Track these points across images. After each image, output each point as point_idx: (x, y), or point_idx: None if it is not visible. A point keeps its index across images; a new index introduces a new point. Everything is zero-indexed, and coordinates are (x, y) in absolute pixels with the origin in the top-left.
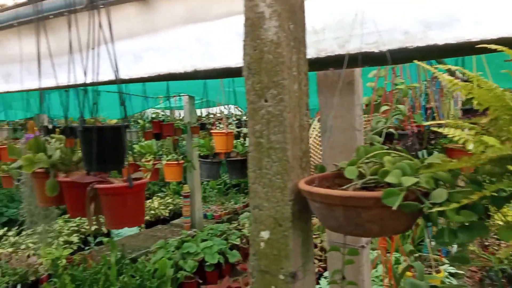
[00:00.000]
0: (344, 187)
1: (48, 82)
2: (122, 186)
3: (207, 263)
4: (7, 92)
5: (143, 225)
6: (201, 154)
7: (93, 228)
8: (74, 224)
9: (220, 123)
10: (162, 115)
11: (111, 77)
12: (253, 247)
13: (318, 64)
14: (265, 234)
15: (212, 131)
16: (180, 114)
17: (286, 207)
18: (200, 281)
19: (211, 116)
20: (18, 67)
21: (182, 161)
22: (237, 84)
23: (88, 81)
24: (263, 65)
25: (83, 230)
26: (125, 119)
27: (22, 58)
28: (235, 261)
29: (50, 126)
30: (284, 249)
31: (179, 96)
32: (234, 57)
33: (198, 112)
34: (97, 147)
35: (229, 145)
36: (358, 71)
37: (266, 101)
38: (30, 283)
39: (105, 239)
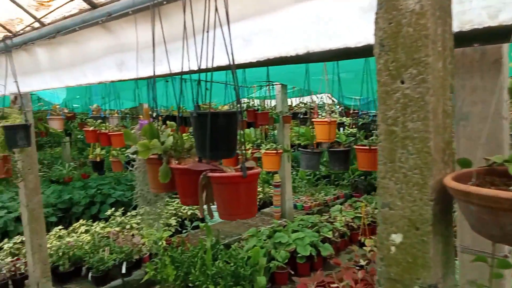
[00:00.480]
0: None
1: (160, 69)
2: (236, 175)
3: (298, 255)
4: (120, 80)
5: None
6: (301, 144)
7: (189, 212)
8: (172, 208)
9: (323, 111)
10: (252, 104)
11: (221, 62)
12: (381, 251)
13: (460, 39)
14: (396, 238)
15: (313, 119)
16: (269, 103)
17: (426, 207)
18: (292, 272)
19: (305, 105)
20: (131, 55)
21: (281, 151)
22: (341, 69)
23: (202, 66)
24: (400, 40)
25: (180, 214)
26: (239, 104)
27: (135, 46)
28: (327, 254)
29: (154, 114)
30: (421, 257)
31: (272, 85)
32: (355, 36)
33: (289, 102)
34: (210, 133)
35: (332, 134)
36: (506, 47)
37: (402, 82)
38: (134, 261)
39: (201, 224)
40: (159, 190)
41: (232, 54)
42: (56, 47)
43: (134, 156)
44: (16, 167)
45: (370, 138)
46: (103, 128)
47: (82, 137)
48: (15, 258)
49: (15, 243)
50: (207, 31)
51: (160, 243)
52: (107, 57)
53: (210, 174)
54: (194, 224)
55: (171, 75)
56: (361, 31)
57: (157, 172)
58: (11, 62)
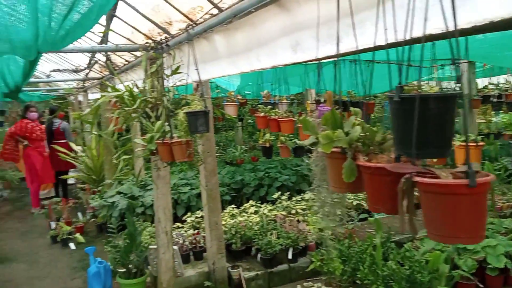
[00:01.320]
0: None
1: (344, 47)
2: (458, 184)
3: (489, 266)
4: (293, 63)
5: None
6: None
7: (355, 202)
8: (337, 196)
9: None
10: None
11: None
12: None
13: None
14: None
15: None
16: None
17: None
18: (480, 286)
19: (497, 86)
20: (307, 34)
21: (482, 143)
22: None
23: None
24: None
25: (345, 203)
26: (459, 83)
27: (310, 24)
28: None
29: (322, 100)
30: None
31: (458, 63)
32: None
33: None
34: (418, 124)
35: None
36: None
37: None
38: (300, 248)
39: (370, 219)
40: (342, 189)
41: (454, 14)
42: (233, 32)
43: (308, 145)
44: (197, 151)
45: None
46: (273, 114)
47: (252, 122)
48: (196, 231)
49: (196, 217)
50: None
51: (325, 232)
52: (282, 38)
53: (418, 178)
54: (362, 216)
55: (354, 53)
56: None
57: (340, 168)
58: (193, 50)
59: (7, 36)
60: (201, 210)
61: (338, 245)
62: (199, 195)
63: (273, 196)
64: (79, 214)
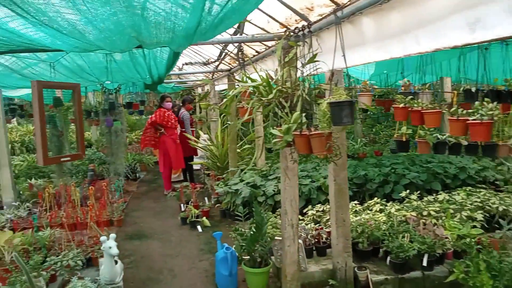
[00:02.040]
0: None
1: None
2: None
3: None
4: (467, 44)
5: None
6: None
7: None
8: (478, 200)
9: None
10: None
11: None
12: None
13: None
14: None
15: None
16: None
17: None
18: None
19: None
20: (494, 7)
21: None
22: None
23: None
24: None
25: (487, 208)
26: None
27: None
28: None
29: (473, 89)
30: None
31: None
32: None
33: None
34: None
35: None
36: None
37: None
38: (437, 256)
39: None
40: None
41: None
42: (386, 13)
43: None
44: (336, 144)
45: None
46: (415, 105)
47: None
48: (317, 225)
49: (317, 211)
50: None
51: (467, 240)
52: (453, 15)
53: None
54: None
55: None
56: None
57: None
58: (340, 35)
59: (171, 26)
60: (322, 204)
61: (486, 257)
62: (319, 188)
63: (400, 194)
64: (206, 199)
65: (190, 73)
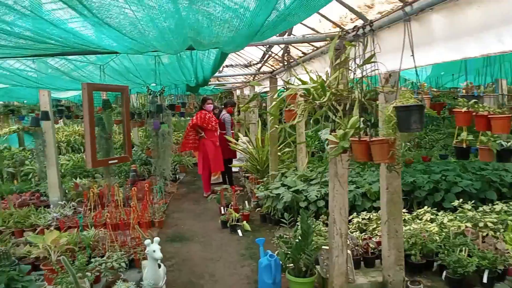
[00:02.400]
0: None
1: None
2: None
3: None
4: None
5: None
6: None
7: None
8: None
9: None
10: None
11: None
12: None
13: None
14: None
15: None
16: None
17: None
18: None
19: None
20: None
21: None
22: None
23: None
24: None
25: None
26: None
27: None
28: None
29: None
30: None
31: None
32: None
33: None
34: None
35: None
36: None
37: None
38: (498, 272)
39: None
40: None
41: None
42: (461, 9)
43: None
44: (399, 151)
45: None
46: (481, 109)
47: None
48: (363, 233)
49: (363, 219)
50: None
51: None
52: None
53: None
54: None
55: None
56: None
57: None
58: (409, 32)
59: (236, 23)
60: (367, 211)
61: None
62: (364, 195)
63: (452, 203)
64: (246, 202)
65: (230, 76)
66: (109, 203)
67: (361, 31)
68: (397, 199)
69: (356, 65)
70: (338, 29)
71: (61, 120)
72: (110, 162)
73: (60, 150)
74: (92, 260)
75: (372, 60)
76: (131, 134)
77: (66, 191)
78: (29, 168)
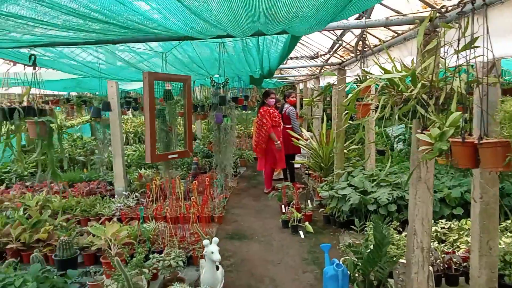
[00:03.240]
0: None
1: None
2: None
3: None
4: None
5: None
6: None
7: None
8: None
9: None
10: None
11: None
12: None
13: None
14: None
15: None
16: None
17: None
18: None
19: None
20: None
21: None
22: None
23: None
24: None
25: None
26: None
27: None
28: None
29: None
30: None
31: None
32: None
33: None
34: None
35: None
36: None
37: None
38: None
39: None
40: None
41: None
42: None
43: None
44: None
45: None
46: None
47: None
48: (442, 244)
49: (442, 228)
50: None
51: None
52: None
53: None
54: None
55: None
56: None
57: None
58: (484, 20)
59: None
60: (446, 219)
61: None
62: (442, 200)
63: None
64: (308, 201)
65: (294, 67)
66: (170, 195)
67: (469, 6)
68: (492, 210)
69: (454, 50)
70: (428, 10)
71: (129, 111)
72: (170, 156)
73: (128, 140)
74: (151, 256)
75: (475, 44)
76: (194, 126)
77: (131, 181)
78: (97, 157)
